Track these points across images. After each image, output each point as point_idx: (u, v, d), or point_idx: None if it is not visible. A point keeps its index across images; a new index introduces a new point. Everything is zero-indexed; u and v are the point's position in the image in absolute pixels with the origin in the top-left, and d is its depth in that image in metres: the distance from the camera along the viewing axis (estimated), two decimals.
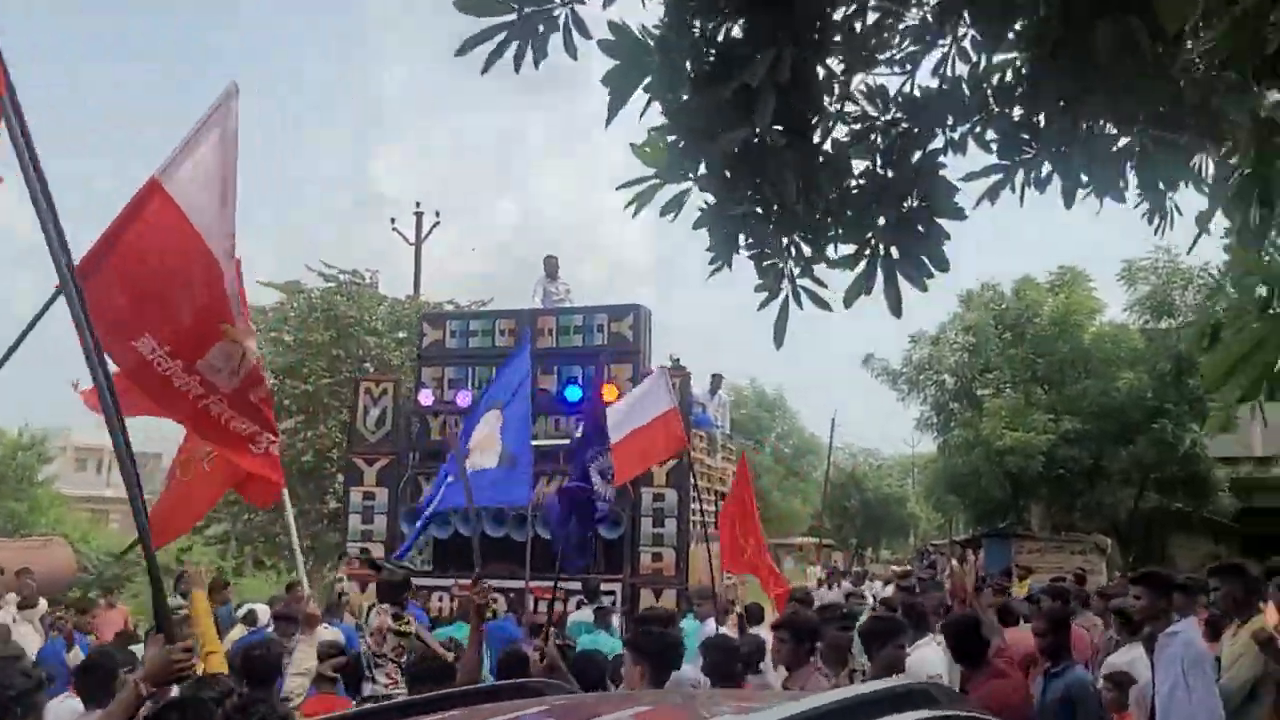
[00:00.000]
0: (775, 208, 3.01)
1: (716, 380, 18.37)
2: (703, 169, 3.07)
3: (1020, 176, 3.25)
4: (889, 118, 3.26)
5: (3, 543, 18.67)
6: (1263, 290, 3.48)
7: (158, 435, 18.12)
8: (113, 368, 3.85)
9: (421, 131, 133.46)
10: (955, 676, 5.90)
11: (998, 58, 3.28)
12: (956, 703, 2.53)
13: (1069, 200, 3.23)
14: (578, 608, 12.01)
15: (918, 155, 3.19)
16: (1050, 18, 2.78)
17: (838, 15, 3.06)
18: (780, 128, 2.85)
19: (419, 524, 9.90)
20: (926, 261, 3.11)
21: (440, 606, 13.47)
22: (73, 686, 5.31)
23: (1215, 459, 21.95)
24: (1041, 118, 3.25)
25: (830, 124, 3.20)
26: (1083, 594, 10.89)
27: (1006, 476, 21.21)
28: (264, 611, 9.27)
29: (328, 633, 8.28)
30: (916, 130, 3.20)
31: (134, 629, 11.18)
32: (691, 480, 13.54)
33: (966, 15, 3.12)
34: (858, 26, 3.14)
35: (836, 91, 3.16)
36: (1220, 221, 4.01)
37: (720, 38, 3.00)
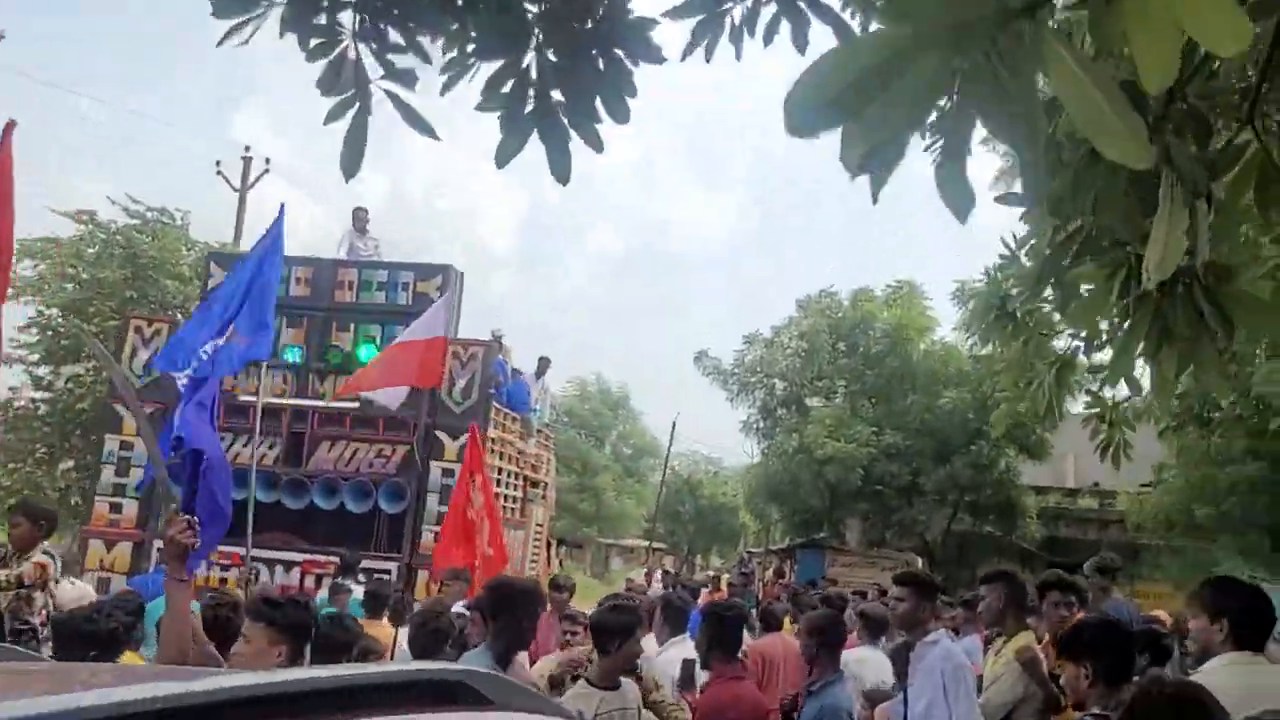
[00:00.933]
0: None
1: (543, 364, 17.47)
2: None
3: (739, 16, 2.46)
4: None
5: None
6: None
7: None
8: None
9: (291, 95, 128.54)
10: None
11: None
12: (508, 696, 1.69)
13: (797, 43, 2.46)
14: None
15: None
16: None
17: None
18: None
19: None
20: (600, 108, 2.29)
21: (205, 575, 12.15)
22: None
23: (1027, 486, 22.26)
24: None
25: None
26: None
27: (826, 486, 20.98)
28: None
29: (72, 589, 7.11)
30: None
31: None
32: (485, 458, 12.78)
33: None
34: None
35: None
36: None
37: None
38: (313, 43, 2.04)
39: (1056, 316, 4.45)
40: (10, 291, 7.77)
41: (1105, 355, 4.64)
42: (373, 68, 2.22)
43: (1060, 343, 4.69)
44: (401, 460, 12.54)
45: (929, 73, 0.92)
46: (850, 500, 21.93)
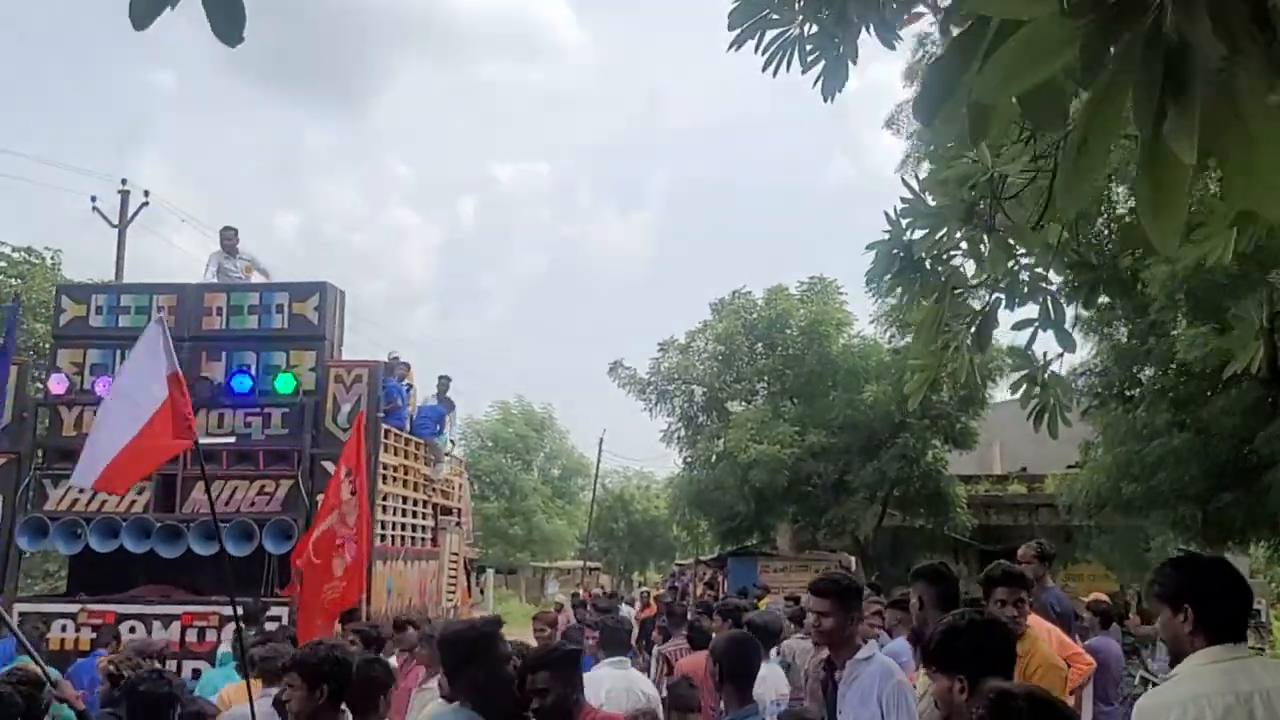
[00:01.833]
0: None
1: (443, 383, 16.55)
2: None
3: None
4: None
5: None
6: None
7: None
8: None
9: (194, 139, 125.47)
10: None
11: None
12: None
13: None
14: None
15: None
16: None
17: None
18: None
19: None
20: None
21: (64, 637, 11.06)
22: None
23: (955, 476, 21.90)
24: None
25: None
26: (803, 614, 9.81)
27: (752, 492, 20.30)
28: None
29: None
30: None
31: None
32: (376, 488, 11.84)
33: None
34: None
35: None
36: None
37: None
38: None
39: (971, 269, 3.75)
40: None
41: (1030, 311, 4.01)
42: None
43: (977, 303, 3.98)
44: (286, 496, 11.54)
45: None
46: (778, 503, 21.29)
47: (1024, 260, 3.62)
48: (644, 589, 28.27)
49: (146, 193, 24.22)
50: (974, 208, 3.38)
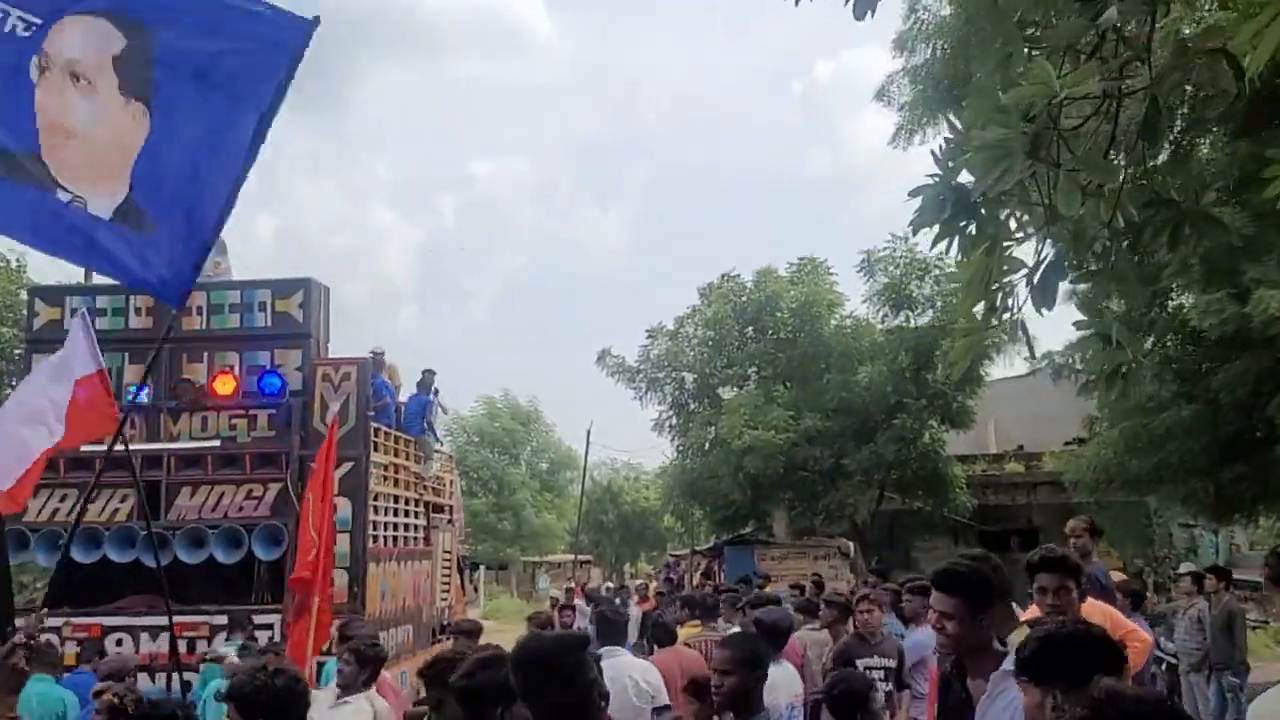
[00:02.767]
0: None
1: (427, 378, 16.05)
2: None
3: None
4: None
5: None
6: None
7: None
8: None
9: None
10: None
11: None
12: None
13: None
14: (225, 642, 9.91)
15: None
16: None
17: None
18: None
19: None
20: None
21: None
22: None
23: (952, 456, 21.61)
24: None
25: None
26: (811, 604, 9.51)
27: (746, 479, 19.91)
28: None
29: None
30: None
31: None
32: (369, 487, 11.46)
33: None
34: None
35: None
36: None
37: None
38: None
39: (1022, 219, 3.37)
40: None
41: None
42: None
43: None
44: (275, 500, 11.12)
45: None
46: (774, 490, 20.93)
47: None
48: (639, 581, 27.92)
49: None
50: (1037, 138, 2.99)
